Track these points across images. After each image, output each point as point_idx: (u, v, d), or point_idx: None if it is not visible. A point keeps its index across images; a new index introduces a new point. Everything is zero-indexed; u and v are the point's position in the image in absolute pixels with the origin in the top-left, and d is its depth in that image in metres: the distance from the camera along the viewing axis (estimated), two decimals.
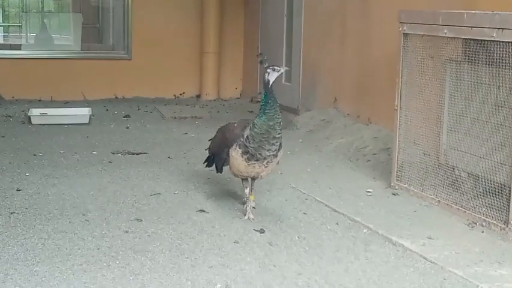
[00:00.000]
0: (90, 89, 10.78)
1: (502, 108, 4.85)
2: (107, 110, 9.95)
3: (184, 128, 8.71)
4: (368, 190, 5.86)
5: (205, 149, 5.57)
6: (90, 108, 9.24)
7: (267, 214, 5.18)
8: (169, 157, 7.04)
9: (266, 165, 4.92)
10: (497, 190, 4.85)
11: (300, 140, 7.88)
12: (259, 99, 10.62)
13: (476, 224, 4.95)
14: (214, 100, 11.16)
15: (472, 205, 5.06)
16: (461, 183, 5.26)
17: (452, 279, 4.04)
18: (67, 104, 10.23)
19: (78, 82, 10.75)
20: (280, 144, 4.91)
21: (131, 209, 5.27)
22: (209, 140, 5.53)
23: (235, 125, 5.08)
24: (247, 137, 4.84)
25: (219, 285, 3.92)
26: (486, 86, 5.01)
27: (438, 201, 5.37)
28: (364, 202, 5.55)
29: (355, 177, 6.31)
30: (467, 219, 5.03)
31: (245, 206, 5.15)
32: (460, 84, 5.28)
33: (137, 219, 5.02)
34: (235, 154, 4.92)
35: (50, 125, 8.61)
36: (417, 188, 5.63)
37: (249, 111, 9.99)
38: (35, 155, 7.01)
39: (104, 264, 4.18)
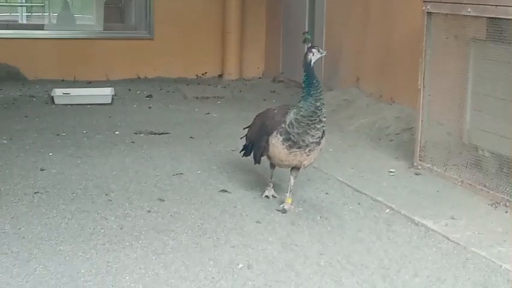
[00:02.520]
0: (112, 69, 10.80)
1: None
2: (130, 90, 9.98)
3: (206, 108, 8.72)
4: (391, 170, 5.84)
5: (241, 138, 5.39)
6: (112, 88, 9.27)
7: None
8: (191, 137, 7.05)
9: (308, 153, 4.67)
10: None
11: None
12: (282, 79, 10.63)
13: (499, 204, 4.92)
14: (236, 80, 11.14)
15: (495, 185, 5.02)
16: (484, 163, 5.23)
17: (475, 260, 4.03)
18: (89, 84, 10.27)
19: (100, 62, 10.78)
20: (324, 131, 4.66)
21: (153, 189, 5.30)
22: (244, 128, 5.29)
23: (275, 111, 4.80)
24: (290, 122, 4.58)
25: (241, 265, 3.93)
26: (510, 65, 4.95)
27: (462, 181, 5.34)
28: (386, 182, 5.53)
29: (377, 157, 6.29)
30: (491, 199, 4.99)
31: (269, 186, 5.09)
32: (484, 64, 5.23)
33: (160, 199, 5.04)
34: (276, 142, 4.65)
35: (73, 105, 8.65)
36: (440, 168, 5.60)
37: (271, 91, 9.98)
38: (58, 135, 7.05)
39: (127, 243, 4.21)
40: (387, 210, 4.88)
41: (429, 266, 3.97)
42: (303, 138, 4.59)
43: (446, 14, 5.49)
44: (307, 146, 4.62)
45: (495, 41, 5.07)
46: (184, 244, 4.22)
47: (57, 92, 9.01)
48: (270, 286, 3.70)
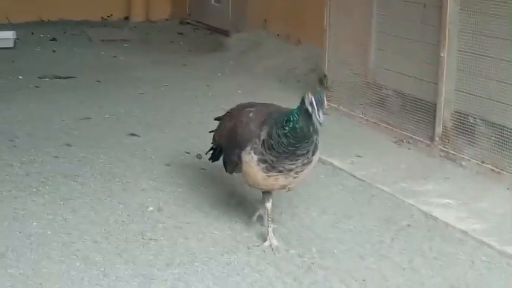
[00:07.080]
0: (14, 11, 10.42)
1: (429, 27, 4.90)
2: (33, 33, 9.68)
3: (113, 51, 8.56)
4: None
5: (210, 131, 4.09)
6: (14, 32, 8.96)
7: (199, 135, 5.14)
8: (98, 81, 6.93)
9: (296, 175, 3.47)
10: (423, 108, 4.95)
11: (231, 62, 7.84)
12: (189, 21, 10.52)
13: (403, 141, 5.05)
14: (143, 22, 10.95)
15: (399, 123, 5.16)
16: (388, 101, 5.35)
17: (380, 196, 4.15)
18: None
19: (1, 4, 10.39)
20: (316, 145, 3.47)
21: (60, 134, 5.21)
22: (215, 119, 4.08)
23: (251, 115, 3.55)
24: (263, 141, 3.40)
25: (151, 208, 3.94)
26: (413, 4, 5.04)
27: (367, 119, 5.45)
28: None
29: (285, 98, 6.28)
30: (395, 137, 5.13)
31: (267, 227, 3.65)
32: (388, 2, 5.30)
33: (67, 144, 4.97)
34: (249, 160, 3.44)
35: None
36: (346, 108, 5.70)
37: (179, 33, 9.87)
38: None
39: (34, 189, 4.15)
40: None
41: (336, 203, 4.07)
42: (282, 164, 3.42)
43: None
44: (290, 170, 3.44)
45: None
46: (93, 189, 4.19)
47: None
48: (180, 228, 3.72)
